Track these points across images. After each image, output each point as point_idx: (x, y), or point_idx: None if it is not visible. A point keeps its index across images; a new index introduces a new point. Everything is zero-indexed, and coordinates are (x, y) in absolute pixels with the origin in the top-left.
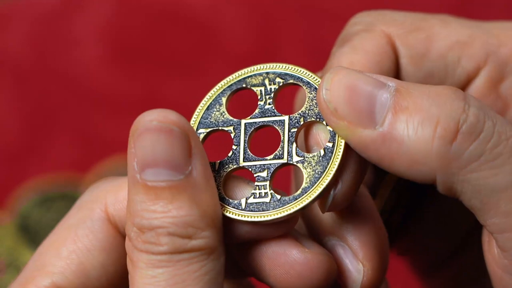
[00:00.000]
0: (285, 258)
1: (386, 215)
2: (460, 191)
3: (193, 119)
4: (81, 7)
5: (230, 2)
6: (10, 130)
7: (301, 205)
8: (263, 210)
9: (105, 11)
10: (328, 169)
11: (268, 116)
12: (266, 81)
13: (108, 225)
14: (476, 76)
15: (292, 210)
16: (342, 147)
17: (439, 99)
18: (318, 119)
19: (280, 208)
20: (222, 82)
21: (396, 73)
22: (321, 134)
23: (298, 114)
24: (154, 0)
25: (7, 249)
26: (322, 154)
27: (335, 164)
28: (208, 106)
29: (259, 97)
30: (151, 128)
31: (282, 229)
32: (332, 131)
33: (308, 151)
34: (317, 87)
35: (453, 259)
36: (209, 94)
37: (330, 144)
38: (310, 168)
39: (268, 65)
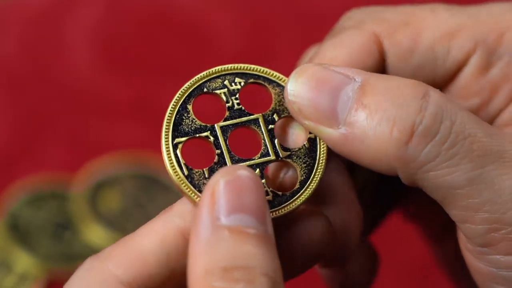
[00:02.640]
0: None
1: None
2: (422, 185)
3: (164, 129)
4: (72, 11)
5: (222, 5)
6: (1, 131)
7: (306, 196)
8: (271, 208)
9: (96, 14)
10: (319, 159)
11: (241, 117)
12: (227, 83)
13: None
14: (465, 65)
15: (299, 202)
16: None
17: (398, 99)
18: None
19: (287, 203)
20: (181, 90)
21: (381, 71)
22: (298, 128)
23: (270, 111)
24: (146, 3)
25: None
26: (307, 146)
27: (323, 153)
28: (176, 115)
29: (225, 100)
30: (241, 176)
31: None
32: None
33: (290, 145)
34: (278, 82)
35: None
36: (172, 103)
37: (313, 135)
38: (301, 161)
39: (222, 67)
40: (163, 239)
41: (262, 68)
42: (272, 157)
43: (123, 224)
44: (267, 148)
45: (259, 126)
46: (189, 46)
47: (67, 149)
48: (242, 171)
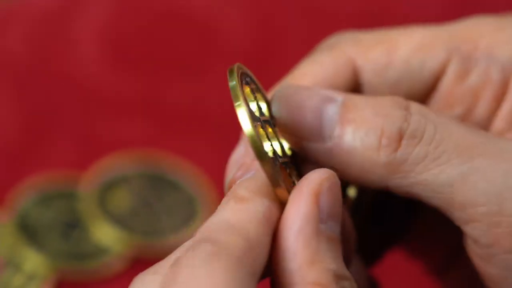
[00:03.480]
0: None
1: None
2: (416, 193)
3: (242, 110)
4: (80, 8)
5: (230, 2)
6: (9, 129)
7: None
8: None
9: (104, 11)
10: (301, 171)
11: (263, 115)
12: (248, 80)
13: None
14: (443, 74)
15: None
16: None
17: (382, 110)
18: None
19: None
20: (234, 75)
21: (354, 90)
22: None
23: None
24: (154, 1)
25: (6, 247)
26: (292, 156)
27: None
28: (246, 101)
29: (254, 96)
30: (337, 182)
31: None
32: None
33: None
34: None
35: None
36: (235, 86)
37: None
38: (289, 170)
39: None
40: (261, 229)
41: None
42: (286, 158)
43: (132, 223)
44: (280, 149)
45: (274, 127)
46: (197, 44)
47: (75, 147)
48: (336, 177)
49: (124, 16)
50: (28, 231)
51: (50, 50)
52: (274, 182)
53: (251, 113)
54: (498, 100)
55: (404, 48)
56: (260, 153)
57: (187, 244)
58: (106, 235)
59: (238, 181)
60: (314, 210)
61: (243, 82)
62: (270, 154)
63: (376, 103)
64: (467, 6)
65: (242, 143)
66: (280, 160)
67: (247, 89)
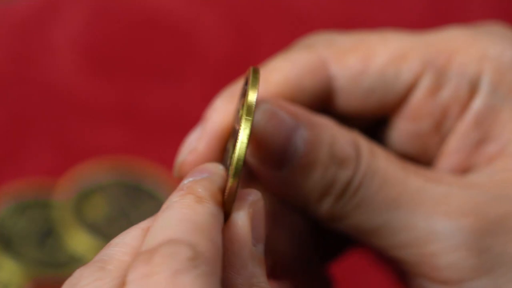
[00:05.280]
0: None
1: None
2: (354, 232)
3: (247, 128)
4: (58, 14)
5: (208, 8)
6: None
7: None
8: None
9: (82, 18)
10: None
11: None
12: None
13: None
14: (415, 87)
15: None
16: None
17: (339, 153)
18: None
19: None
20: (255, 90)
21: (322, 94)
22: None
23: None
24: (132, 7)
25: None
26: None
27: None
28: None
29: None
30: (263, 205)
31: None
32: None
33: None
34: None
35: None
36: (252, 103)
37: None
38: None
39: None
40: (219, 233)
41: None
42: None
43: (107, 232)
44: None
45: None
46: (174, 50)
47: (51, 155)
48: (262, 200)
49: (102, 22)
50: (3, 240)
51: (26, 57)
52: (230, 196)
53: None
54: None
55: (380, 57)
56: (237, 172)
57: (151, 240)
58: (81, 243)
59: (192, 178)
60: (249, 235)
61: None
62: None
63: (336, 141)
64: (445, 11)
65: (200, 127)
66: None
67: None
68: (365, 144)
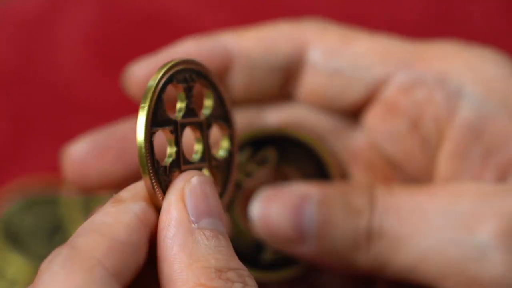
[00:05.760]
0: None
1: None
2: (399, 277)
3: (146, 114)
4: (64, 12)
5: (212, 7)
6: None
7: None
8: None
9: (88, 16)
10: (231, 173)
11: (192, 117)
12: (188, 78)
13: None
14: (388, 82)
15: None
16: (236, 152)
17: (353, 205)
18: (221, 123)
19: None
20: (158, 77)
21: (292, 59)
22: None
23: (209, 116)
24: (137, 5)
25: None
26: (227, 158)
27: (234, 169)
28: (155, 103)
29: (185, 96)
30: (203, 181)
31: None
32: (232, 135)
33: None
34: (218, 89)
35: None
36: (152, 90)
37: (231, 149)
38: (220, 172)
39: (189, 60)
40: (131, 230)
41: (212, 73)
42: (206, 163)
43: None
44: (204, 153)
45: (203, 130)
46: None
47: (58, 151)
48: (204, 176)
49: (107, 21)
50: (11, 236)
51: (32, 55)
52: (149, 191)
53: (156, 117)
54: (441, 124)
55: (358, 47)
56: (141, 163)
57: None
58: None
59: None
60: (183, 214)
61: (173, 80)
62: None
63: (349, 196)
64: (445, 11)
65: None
66: (197, 165)
67: (180, 88)
68: (380, 187)
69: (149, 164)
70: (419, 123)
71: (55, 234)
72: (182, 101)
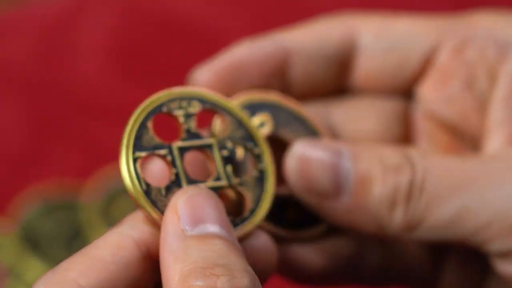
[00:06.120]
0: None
1: None
2: (434, 238)
3: (125, 143)
4: (85, 18)
5: (234, 13)
6: (14, 138)
7: (257, 223)
8: None
9: (109, 21)
10: (267, 190)
11: (196, 140)
12: (185, 105)
13: None
14: (439, 48)
15: (249, 229)
16: (272, 170)
17: (389, 162)
18: (244, 143)
19: (237, 228)
20: (141, 108)
21: (346, 52)
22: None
23: (224, 138)
24: (159, 10)
25: (9, 257)
26: (257, 176)
27: (271, 185)
28: (136, 131)
29: (182, 121)
30: (199, 193)
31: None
32: (260, 154)
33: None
34: (232, 112)
35: None
36: (133, 119)
37: (262, 167)
38: (250, 190)
39: (181, 90)
40: (118, 250)
41: (218, 96)
42: (224, 182)
43: None
44: (219, 173)
45: (213, 151)
46: (201, 54)
47: (79, 157)
48: (199, 189)
49: (129, 25)
50: (31, 241)
51: (55, 60)
52: (142, 211)
53: (140, 143)
54: (493, 77)
55: (403, 23)
56: (127, 186)
57: None
58: None
59: None
60: (175, 225)
61: (163, 108)
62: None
63: (381, 153)
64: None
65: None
66: (211, 184)
67: (176, 115)
68: (411, 149)
69: (135, 186)
70: (473, 82)
71: (75, 239)
72: (180, 126)
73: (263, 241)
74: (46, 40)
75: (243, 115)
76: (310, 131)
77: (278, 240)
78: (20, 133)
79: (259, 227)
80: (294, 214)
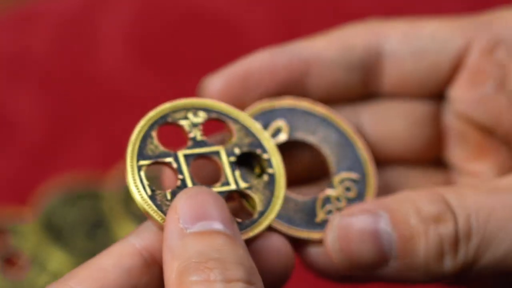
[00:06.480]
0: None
1: None
2: (489, 274)
3: (130, 151)
4: (105, 9)
5: (256, 2)
6: (35, 129)
7: (266, 225)
8: None
9: (129, 12)
10: (277, 193)
11: (204, 147)
12: (190, 115)
13: None
14: (469, 48)
15: (259, 230)
16: (283, 174)
17: (427, 213)
18: (253, 149)
19: (247, 229)
20: (146, 118)
21: (371, 56)
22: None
23: (231, 145)
24: (177, 1)
25: (31, 246)
26: (266, 180)
27: (281, 188)
28: (141, 140)
29: (188, 130)
30: (200, 191)
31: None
32: (269, 159)
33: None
34: (238, 119)
35: None
36: (138, 129)
37: (271, 171)
38: (259, 193)
39: (186, 101)
40: (120, 257)
41: (224, 105)
42: (233, 186)
43: None
44: (228, 178)
45: (220, 157)
46: (222, 44)
47: (100, 147)
48: (200, 188)
49: (149, 16)
50: (53, 231)
51: (76, 52)
52: (146, 214)
53: (144, 152)
54: None
55: (430, 25)
56: (131, 193)
57: None
58: None
59: None
60: (174, 224)
61: (167, 119)
62: (144, 194)
63: (418, 205)
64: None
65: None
66: (219, 189)
67: (182, 124)
68: (446, 190)
69: (140, 193)
70: (505, 82)
71: (97, 228)
72: (186, 135)
73: (278, 243)
74: (66, 33)
75: (251, 122)
76: (341, 135)
77: (295, 241)
78: (42, 124)
79: (270, 228)
80: (322, 217)
